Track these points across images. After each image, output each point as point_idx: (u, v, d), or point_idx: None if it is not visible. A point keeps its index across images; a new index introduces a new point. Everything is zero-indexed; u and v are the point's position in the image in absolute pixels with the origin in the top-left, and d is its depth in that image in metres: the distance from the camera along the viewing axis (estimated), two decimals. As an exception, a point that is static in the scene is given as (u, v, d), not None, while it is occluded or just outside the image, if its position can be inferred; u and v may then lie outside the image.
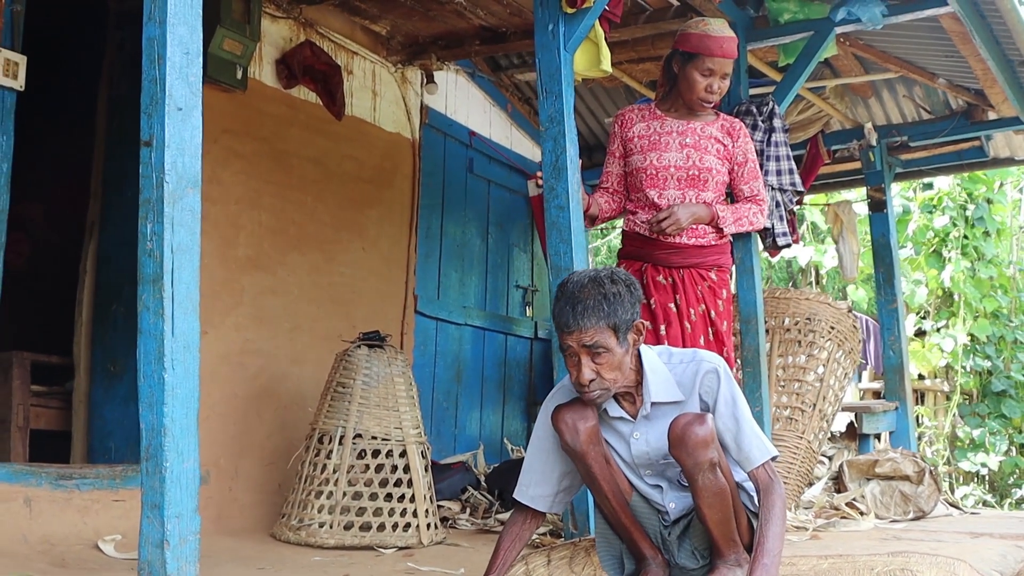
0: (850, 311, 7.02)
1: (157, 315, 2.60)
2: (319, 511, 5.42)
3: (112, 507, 5.15)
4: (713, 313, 5.02)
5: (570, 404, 3.49)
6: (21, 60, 4.93)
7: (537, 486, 3.67)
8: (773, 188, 6.06)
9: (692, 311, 4.99)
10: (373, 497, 5.46)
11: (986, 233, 14.16)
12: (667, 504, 3.59)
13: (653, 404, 3.46)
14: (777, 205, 6.09)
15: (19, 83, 4.93)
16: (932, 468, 7.15)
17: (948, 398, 14.22)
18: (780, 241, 6.12)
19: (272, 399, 6.17)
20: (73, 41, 6.74)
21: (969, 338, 14.07)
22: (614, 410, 3.51)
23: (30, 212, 7.14)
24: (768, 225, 6.06)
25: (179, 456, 2.56)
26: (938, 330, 14.29)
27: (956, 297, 14.21)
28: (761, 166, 6.00)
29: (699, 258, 5.03)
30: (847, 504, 6.92)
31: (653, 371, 3.45)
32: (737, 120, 5.27)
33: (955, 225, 14.16)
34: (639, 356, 3.48)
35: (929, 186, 14.23)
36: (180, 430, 2.57)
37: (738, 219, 5.13)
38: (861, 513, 6.80)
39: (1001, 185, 14.67)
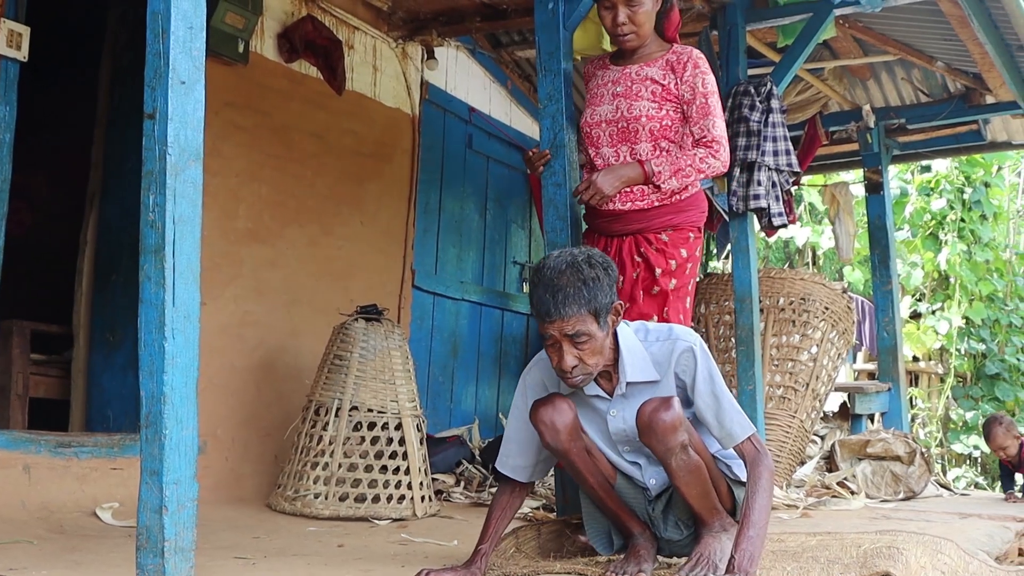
0: (845, 292, 7.06)
1: (158, 285, 2.65)
2: (315, 482, 5.47)
3: (110, 475, 5.20)
4: (659, 271, 4.41)
5: (547, 401, 3.47)
6: (25, 31, 4.96)
7: (517, 456, 3.67)
8: (770, 168, 6.10)
9: (621, 278, 4.41)
10: (368, 469, 5.51)
11: (983, 217, 14.23)
12: (647, 480, 3.60)
13: (629, 383, 3.44)
14: (773, 185, 6.14)
15: (22, 54, 4.96)
16: (924, 449, 7.22)
17: (942, 380, 14.29)
18: (776, 221, 6.17)
19: (270, 371, 6.22)
20: (76, 11, 6.75)
21: (964, 321, 14.15)
22: (591, 388, 3.50)
23: (32, 181, 7.17)
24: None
25: (178, 423, 2.61)
26: (933, 312, 14.37)
27: (952, 280, 14.27)
28: (758, 146, 6.06)
29: (642, 222, 4.42)
30: (838, 483, 7.00)
31: (629, 350, 3.42)
32: (690, 49, 4.46)
33: (952, 208, 14.22)
34: (615, 334, 3.45)
35: (927, 169, 14.29)
36: (179, 398, 2.62)
37: (678, 170, 4.32)
38: (852, 492, 6.88)
39: (999, 169, 14.73)
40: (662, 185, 4.31)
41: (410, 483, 5.58)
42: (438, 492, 6.30)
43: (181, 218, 2.68)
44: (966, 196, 14.18)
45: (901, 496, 6.96)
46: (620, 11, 4.34)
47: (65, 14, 6.68)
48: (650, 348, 3.44)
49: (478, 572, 3.47)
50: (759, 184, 6.05)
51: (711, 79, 4.40)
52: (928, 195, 14.40)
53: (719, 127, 4.35)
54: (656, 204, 4.37)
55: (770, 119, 6.11)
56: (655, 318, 4.38)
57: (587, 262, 3.31)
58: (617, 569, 3.50)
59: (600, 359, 3.35)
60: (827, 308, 6.88)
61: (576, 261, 3.31)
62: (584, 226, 4.66)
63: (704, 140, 4.34)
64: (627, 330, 3.47)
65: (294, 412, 6.04)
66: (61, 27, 6.61)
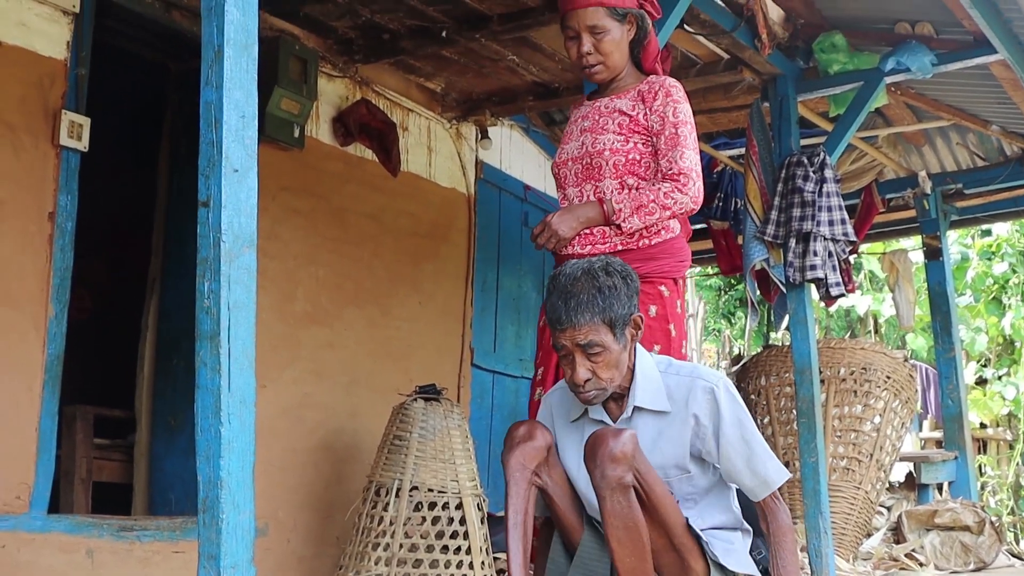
0: (907, 360, 7.01)
1: (214, 371, 2.67)
2: (376, 563, 5.45)
3: (172, 558, 5.22)
4: None
5: (525, 423, 3.26)
6: (85, 122, 5.07)
7: None
8: (826, 238, 6.07)
9: None
10: (430, 549, 5.49)
11: (1048, 278, 14.05)
12: None
13: (636, 409, 3.16)
14: (830, 255, 6.11)
15: (83, 144, 5.06)
16: (994, 518, 7.09)
17: (1011, 447, 14.02)
18: (834, 291, 6.13)
19: (330, 452, 6.24)
20: (135, 101, 6.89)
21: (1032, 385, 13.92)
22: (597, 413, 3.23)
23: (94, 268, 7.28)
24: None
25: (235, 508, 2.61)
26: (999, 378, 14.15)
27: (1017, 344, 14.06)
28: (812, 216, 6.03)
29: None
30: (906, 555, 6.89)
31: (644, 375, 3.17)
32: (664, 78, 3.98)
33: (1015, 271, 14.04)
34: (635, 357, 3.20)
35: (987, 232, 14.15)
36: (236, 483, 2.63)
37: (640, 207, 3.77)
38: (920, 564, 6.77)
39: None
40: (623, 225, 3.76)
41: (472, 563, 5.55)
42: (500, 572, 6.26)
43: (236, 304, 2.70)
44: (1028, 258, 14.04)
45: (971, 567, 6.83)
46: (584, 41, 3.89)
47: (124, 103, 6.81)
48: (667, 380, 3.18)
49: None
50: (815, 254, 6.02)
51: (685, 108, 3.89)
52: (990, 259, 14.25)
53: (688, 158, 3.79)
54: (619, 248, 3.79)
55: (824, 188, 6.09)
56: None
57: (604, 269, 3.12)
58: None
59: (615, 374, 3.10)
60: (889, 377, 6.82)
61: (593, 268, 3.12)
62: None
63: (671, 173, 3.79)
64: (647, 357, 3.24)
65: (354, 493, 6.04)
66: (121, 117, 6.73)
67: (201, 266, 2.75)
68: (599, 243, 3.81)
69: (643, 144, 3.88)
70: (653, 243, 3.83)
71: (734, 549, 3.14)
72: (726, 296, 18.33)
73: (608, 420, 3.21)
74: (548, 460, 3.20)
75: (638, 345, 3.21)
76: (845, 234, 6.13)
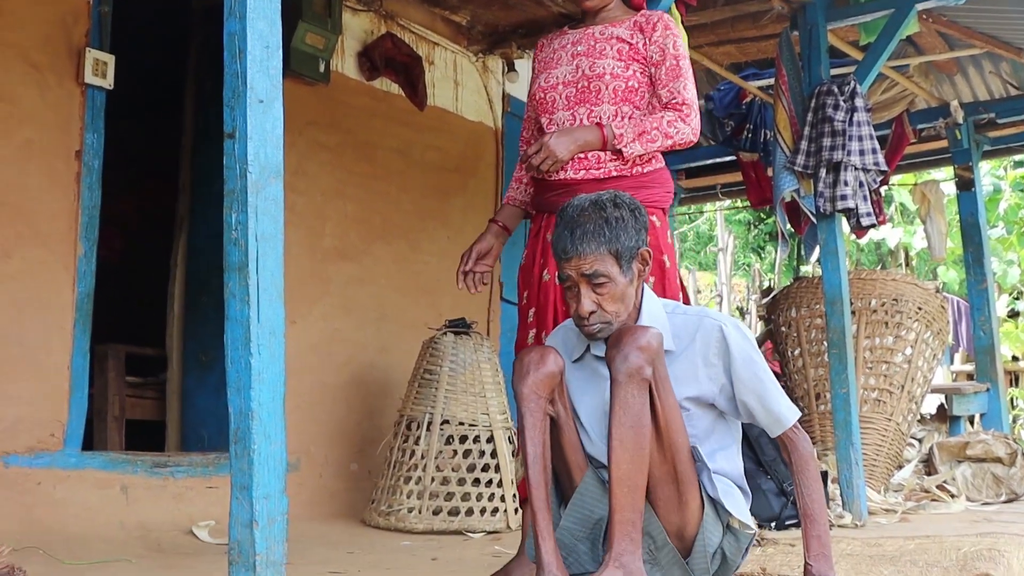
0: (938, 291, 6.94)
1: (243, 302, 2.67)
2: (408, 496, 5.49)
3: (206, 494, 5.27)
4: None
5: (534, 349, 3.08)
6: (109, 59, 5.05)
7: None
8: (856, 168, 6.01)
9: None
10: (461, 482, 5.52)
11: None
12: None
13: None
14: (861, 185, 6.04)
15: (108, 82, 5.05)
16: (1025, 449, 7.07)
17: (1045, 381, 13.99)
18: (864, 221, 6.06)
19: (360, 387, 6.26)
20: (160, 40, 6.86)
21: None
22: (599, 349, 3.10)
23: (122, 208, 7.30)
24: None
25: (266, 438, 2.62)
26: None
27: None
28: (843, 146, 5.96)
29: None
30: (937, 486, 6.88)
31: (650, 315, 3.06)
32: (660, 13, 3.95)
33: (1054, 203, 13.90)
34: (642, 296, 3.11)
35: (1021, 164, 13.98)
36: (267, 413, 2.63)
37: (643, 133, 3.70)
38: (952, 495, 6.75)
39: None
40: (624, 150, 3.68)
41: (503, 495, 5.58)
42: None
43: (263, 235, 2.69)
44: (1066, 190, 13.87)
45: (1003, 498, 6.81)
46: None
47: (148, 43, 6.79)
48: (674, 320, 3.09)
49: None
50: (846, 184, 5.96)
51: (682, 43, 3.90)
52: (1023, 191, 14.08)
53: (691, 91, 3.78)
54: (614, 174, 3.71)
55: (855, 118, 6.02)
56: None
57: (612, 202, 3.04)
58: None
59: (621, 308, 3.00)
60: (920, 308, 6.77)
61: (601, 200, 3.04)
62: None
63: (674, 103, 3.75)
64: (654, 297, 3.15)
65: (385, 427, 6.08)
66: (145, 56, 6.71)
67: (228, 198, 2.74)
68: (594, 168, 3.72)
69: (641, 73, 3.81)
70: (645, 171, 3.77)
71: (733, 493, 3.04)
72: (755, 230, 18.27)
73: None
74: (560, 387, 3.07)
75: (645, 286, 3.13)
76: (876, 164, 6.06)
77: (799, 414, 3.07)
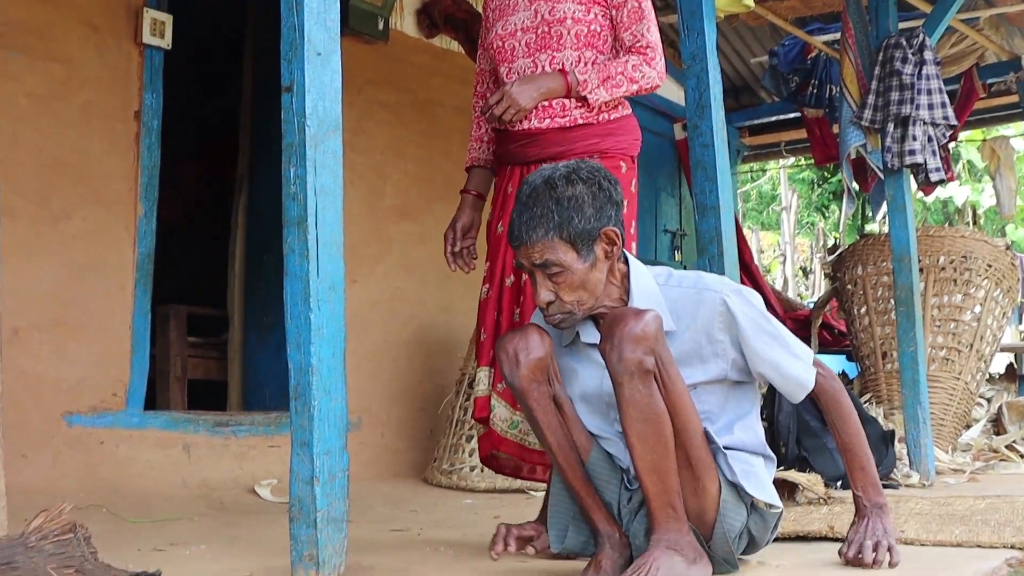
0: (1008, 248, 6.81)
1: (302, 256, 2.65)
2: (470, 455, 5.46)
3: (267, 452, 5.28)
4: None
5: (518, 331, 2.84)
6: (167, 19, 5.04)
7: None
8: (925, 122, 5.88)
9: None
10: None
11: None
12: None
13: None
14: (929, 140, 5.92)
15: (166, 42, 5.04)
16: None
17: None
18: (933, 177, 5.94)
19: (422, 346, 6.24)
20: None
21: None
22: (589, 335, 2.84)
23: (182, 170, 7.31)
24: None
25: (327, 395, 2.59)
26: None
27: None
28: (912, 100, 5.84)
29: (562, 145, 3.53)
30: (1006, 447, 6.76)
31: (642, 292, 2.77)
32: None
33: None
34: (627, 270, 2.82)
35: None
36: (327, 369, 2.61)
37: (607, 78, 3.51)
38: (1021, 456, 6.63)
39: None
40: (589, 96, 3.49)
41: (564, 455, 5.53)
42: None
43: (323, 189, 2.66)
44: None
45: (1073, 459, 6.69)
46: None
47: (206, 1, 6.77)
48: (669, 293, 2.79)
49: None
50: (914, 139, 5.83)
51: None
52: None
53: (654, 33, 3.60)
54: (579, 122, 3.53)
55: (923, 71, 5.89)
56: None
57: (567, 177, 2.72)
58: None
59: (585, 295, 2.73)
60: (990, 266, 6.64)
61: (553, 177, 2.73)
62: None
63: (637, 46, 3.56)
64: (643, 269, 2.83)
65: (447, 387, 6.07)
66: (203, 15, 6.69)
67: (286, 152, 2.71)
68: (558, 116, 3.52)
69: (603, 17, 3.60)
70: (612, 119, 3.59)
71: (754, 472, 2.79)
72: (819, 189, 18.03)
73: None
74: (552, 364, 2.82)
75: (632, 259, 2.84)
76: (945, 118, 5.93)
77: (814, 370, 2.82)
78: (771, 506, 2.80)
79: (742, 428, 2.82)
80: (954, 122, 6.05)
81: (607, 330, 2.59)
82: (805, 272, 20.76)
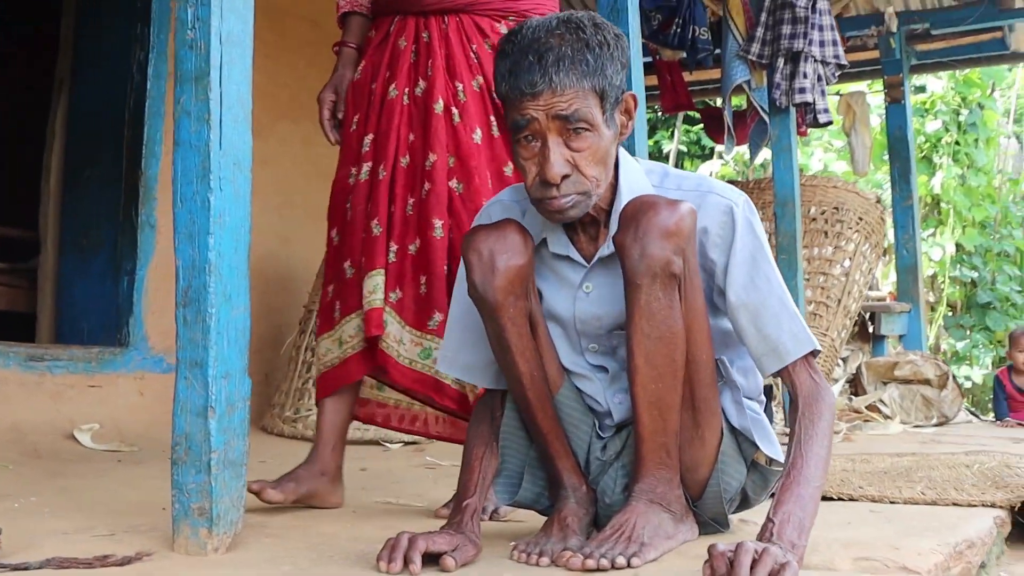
0: (879, 201, 6.57)
1: (201, 121, 2.01)
2: (318, 401, 4.91)
3: (88, 393, 4.64)
4: None
5: (493, 227, 2.22)
6: None
7: (469, 349, 2.40)
8: (816, 60, 5.56)
9: (460, 87, 2.93)
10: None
11: (978, 140, 13.64)
12: (611, 399, 2.32)
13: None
14: (819, 79, 5.60)
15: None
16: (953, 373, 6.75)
17: (933, 309, 13.79)
18: (821, 119, 5.69)
19: (258, 280, 5.56)
20: None
21: (956, 248, 13.61)
22: (560, 246, 2.27)
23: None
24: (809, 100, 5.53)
25: (227, 301, 1.99)
26: (926, 239, 13.83)
27: (945, 205, 13.72)
28: (804, 35, 5.54)
29: None
30: (868, 407, 6.52)
31: (632, 189, 2.20)
32: None
33: (947, 130, 13.61)
34: (616, 165, 2.23)
35: (922, 89, 13.68)
36: (228, 268, 2.00)
37: None
38: (885, 417, 6.40)
39: (992, 91, 14.16)
40: None
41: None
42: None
43: (230, 37, 2.06)
44: (962, 118, 13.57)
45: (934, 421, 6.47)
46: None
47: None
48: (665, 195, 2.17)
49: (474, 537, 2.13)
50: (805, 76, 5.53)
51: None
52: (923, 116, 13.77)
53: None
54: None
55: (817, 6, 5.57)
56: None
57: (592, 21, 2.11)
58: (529, 547, 2.13)
59: (602, 173, 2.12)
60: (861, 218, 6.39)
61: (575, 18, 2.11)
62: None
63: None
64: (634, 163, 2.27)
65: (287, 326, 5.51)
66: None
67: (181, -15, 2.10)
68: None
69: None
70: None
71: (761, 421, 2.31)
72: (652, 140, 17.51)
73: (578, 257, 2.26)
74: (531, 276, 2.24)
75: (621, 150, 2.25)
76: (836, 56, 5.65)
77: (813, 346, 2.15)
78: (772, 462, 2.30)
79: (741, 371, 2.29)
80: (844, 62, 5.76)
81: (630, 217, 2.06)
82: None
